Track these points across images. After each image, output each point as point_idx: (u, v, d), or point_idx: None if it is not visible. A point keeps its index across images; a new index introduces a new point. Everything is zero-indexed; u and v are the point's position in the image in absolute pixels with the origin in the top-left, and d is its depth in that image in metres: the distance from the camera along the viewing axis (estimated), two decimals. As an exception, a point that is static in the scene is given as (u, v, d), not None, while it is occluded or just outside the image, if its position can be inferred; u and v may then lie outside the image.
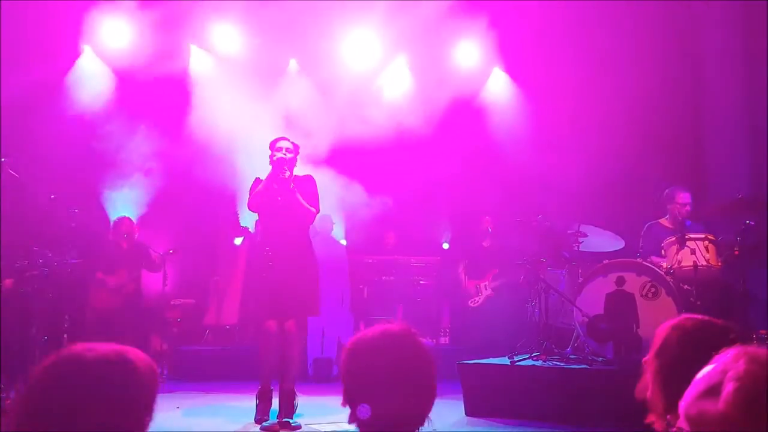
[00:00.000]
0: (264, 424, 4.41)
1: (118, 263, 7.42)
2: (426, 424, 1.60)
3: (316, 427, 4.56)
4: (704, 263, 5.18)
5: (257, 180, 4.76)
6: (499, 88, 9.34)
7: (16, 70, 7.55)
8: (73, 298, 5.23)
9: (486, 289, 7.80)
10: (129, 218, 7.75)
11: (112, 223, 7.65)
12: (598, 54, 8.29)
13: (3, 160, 4.83)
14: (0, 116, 7.27)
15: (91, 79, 8.56)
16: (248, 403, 4.70)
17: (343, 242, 7.98)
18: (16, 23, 7.77)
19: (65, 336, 5.12)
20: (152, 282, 7.92)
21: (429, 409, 1.59)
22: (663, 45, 7.95)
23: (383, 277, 7.84)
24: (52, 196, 5.27)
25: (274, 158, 4.65)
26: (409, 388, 1.55)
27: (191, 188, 7.74)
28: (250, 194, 4.68)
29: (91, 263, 6.91)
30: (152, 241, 7.69)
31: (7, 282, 4.79)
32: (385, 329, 1.60)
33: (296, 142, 4.89)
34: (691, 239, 5.28)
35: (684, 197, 5.92)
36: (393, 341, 1.58)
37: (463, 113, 9.30)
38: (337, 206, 7.73)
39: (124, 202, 8.39)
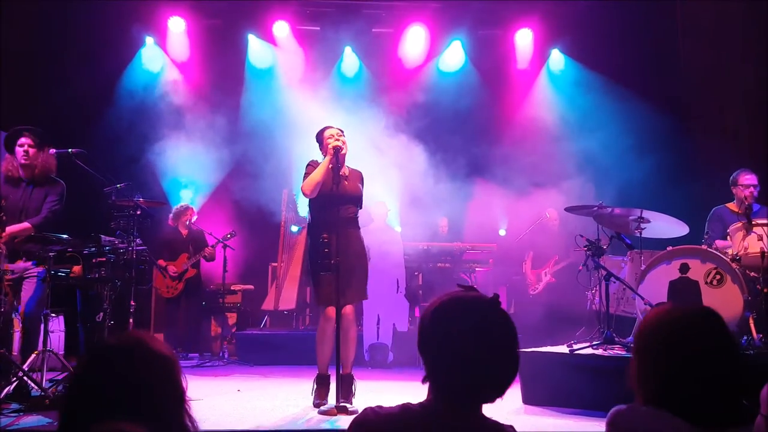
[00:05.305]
0: (322, 408, 4.46)
1: (179, 250, 7.63)
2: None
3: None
4: (773, 250, 4.98)
5: (312, 163, 4.77)
6: (558, 70, 9.15)
7: (82, 66, 7.81)
8: (138, 284, 5.37)
9: (546, 275, 7.69)
10: (189, 206, 7.95)
11: (172, 211, 7.85)
12: (656, 35, 8.03)
13: (71, 151, 4.99)
14: (68, 109, 7.54)
15: (152, 68, 8.79)
16: (306, 387, 4.76)
17: (398, 229, 7.97)
18: (83, 20, 8.04)
19: (131, 321, 5.27)
20: (213, 268, 8.12)
21: (512, 379, 1.54)
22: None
23: (438, 264, 7.81)
24: (119, 185, 5.41)
25: (330, 146, 4.65)
26: (493, 355, 1.51)
27: (248, 176, 7.86)
28: (304, 179, 4.69)
29: (153, 250, 7.12)
30: (211, 227, 7.86)
31: (76, 269, 4.96)
32: (475, 295, 1.57)
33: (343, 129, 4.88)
34: (758, 225, 5.09)
35: (748, 179, 5.71)
36: (482, 306, 1.54)
37: (520, 96, 9.16)
38: (390, 192, 7.74)
39: (183, 190, 8.61)
